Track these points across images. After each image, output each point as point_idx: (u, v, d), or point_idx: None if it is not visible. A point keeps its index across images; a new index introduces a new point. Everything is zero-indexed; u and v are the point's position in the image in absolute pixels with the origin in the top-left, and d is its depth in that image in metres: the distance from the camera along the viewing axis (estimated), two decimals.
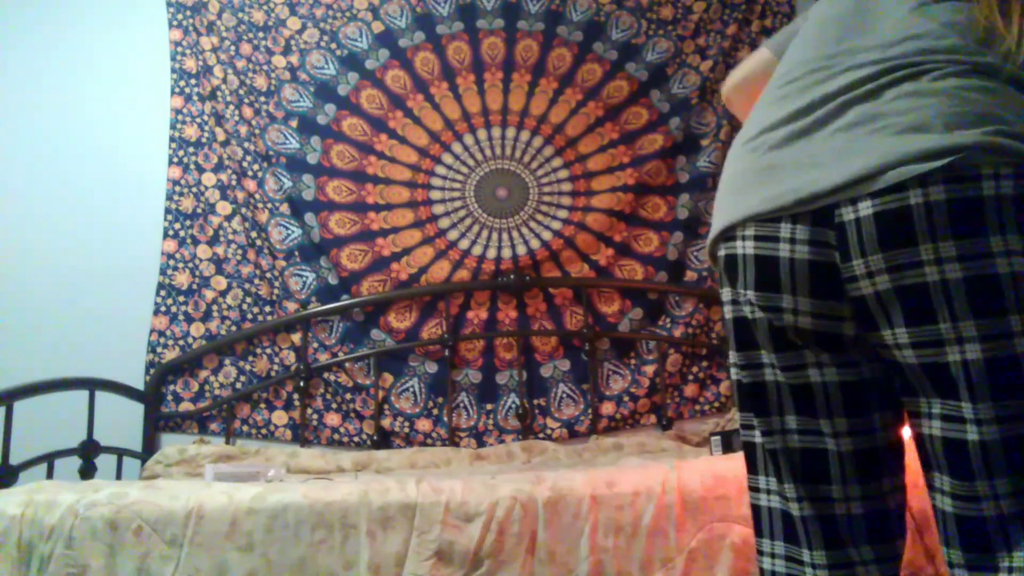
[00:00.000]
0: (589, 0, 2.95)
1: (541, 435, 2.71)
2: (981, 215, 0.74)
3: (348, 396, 2.71)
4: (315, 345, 2.74)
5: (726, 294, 0.94)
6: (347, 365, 2.73)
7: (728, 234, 0.90)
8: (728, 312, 0.93)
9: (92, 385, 2.37)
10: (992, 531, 0.76)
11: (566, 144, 2.90)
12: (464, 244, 2.84)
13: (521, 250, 2.83)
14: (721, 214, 0.92)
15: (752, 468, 0.95)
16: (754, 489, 0.95)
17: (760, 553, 0.94)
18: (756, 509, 0.95)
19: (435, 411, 2.74)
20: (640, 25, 2.96)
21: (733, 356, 0.94)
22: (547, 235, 2.85)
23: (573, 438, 2.72)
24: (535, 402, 2.76)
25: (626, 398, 2.77)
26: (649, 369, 2.77)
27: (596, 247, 2.87)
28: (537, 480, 1.63)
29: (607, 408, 2.76)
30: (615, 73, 2.93)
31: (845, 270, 0.81)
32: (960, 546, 0.79)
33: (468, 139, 2.88)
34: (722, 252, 0.92)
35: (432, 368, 2.77)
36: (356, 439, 2.70)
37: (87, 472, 2.30)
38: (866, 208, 0.78)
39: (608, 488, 1.59)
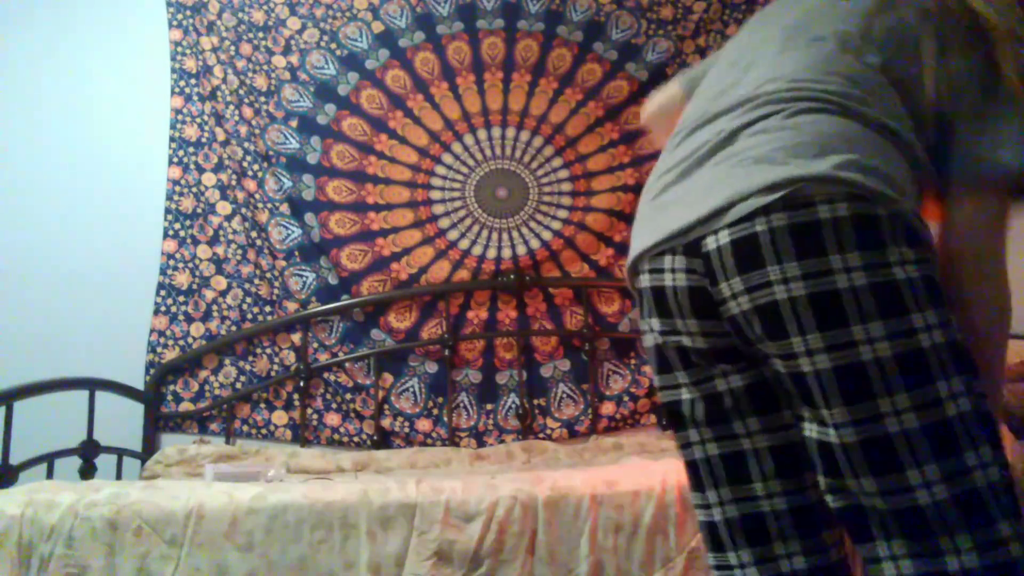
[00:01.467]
0: (589, 0, 2.95)
1: (541, 435, 2.71)
2: (819, 236, 0.81)
3: (348, 396, 2.71)
4: (315, 345, 2.74)
5: (643, 324, 1.02)
6: (347, 365, 2.73)
7: (634, 269, 1.00)
8: (647, 340, 1.01)
9: (92, 385, 2.37)
10: (873, 523, 0.82)
11: (566, 144, 2.90)
12: (464, 244, 2.84)
13: (521, 250, 2.83)
14: (630, 251, 1.02)
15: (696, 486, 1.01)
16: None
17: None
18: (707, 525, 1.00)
19: (435, 411, 2.74)
20: (640, 25, 2.96)
21: (655, 380, 1.02)
22: (547, 235, 2.85)
23: (573, 438, 2.72)
24: (535, 402, 2.76)
25: (626, 398, 2.77)
26: (649, 369, 2.77)
27: (596, 247, 2.87)
28: (537, 480, 1.63)
29: (607, 408, 2.76)
30: (615, 73, 2.93)
31: (715, 293, 0.89)
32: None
33: (468, 139, 2.88)
34: (635, 286, 1.01)
35: (432, 368, 2.77)
36: (356, 439, 2.70)
37: (87, 472, 2.30)
38: (724, 237, 0.86)
39: (608, 488, 1.59)
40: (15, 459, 2.00)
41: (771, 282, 0.82)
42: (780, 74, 0.94)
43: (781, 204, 0.82)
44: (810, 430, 0.86)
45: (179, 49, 2.85)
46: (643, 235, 0.98)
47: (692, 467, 1.00)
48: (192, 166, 2.81)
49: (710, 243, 0.87)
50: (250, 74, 2.84)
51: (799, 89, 0.90)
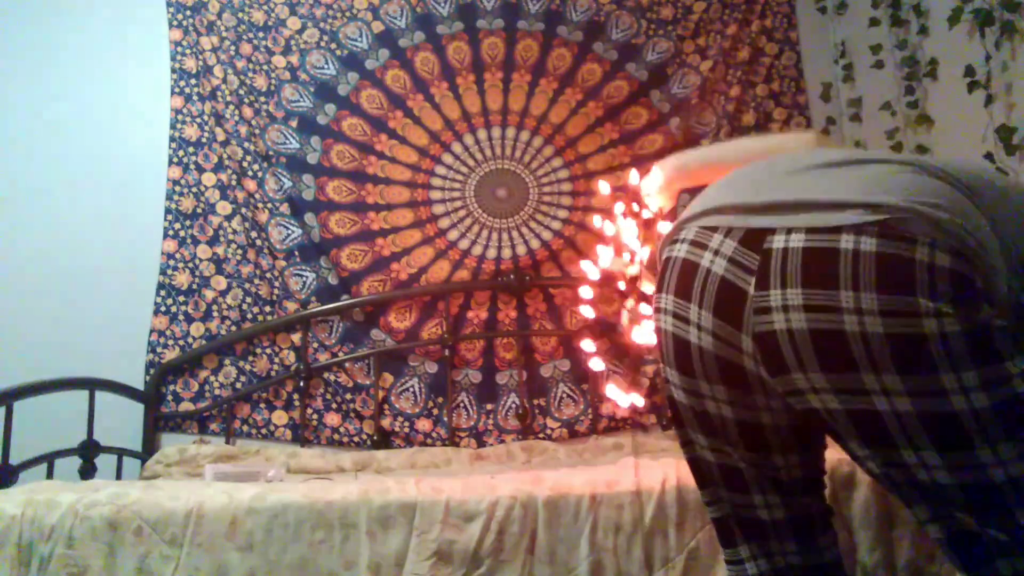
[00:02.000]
0: (589, 0, 2.95)
1: (541, 435, 2.71)
2: (910, 276, 0.72)
3: (348, 396, 2.71)
4: (315, 345, 2.74)
5: (655, 299, 0.95)
6: (347, 365, 2.73)
7: (674, 236, 0.93)
8: (654, 322, 0.96)
9: (92, 385, 2.36)
10: (991, 547, 0.77)
11: (566, 144, 2.90)
12: (464, 244, 2.84)
13: (521, 250, 2.83)
14: (679, 218, 0.95)
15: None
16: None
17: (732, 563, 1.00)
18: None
19: (435, 411, 2.73)
20: (640, 25, 2.96)
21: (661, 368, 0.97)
22: (547, 235, 2.85)
23: (573, 438, 2.72)
24: (535, 402, 2.76)
25: None
26: (649, 369, 2.77)
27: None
28: (537, 480, 1.63)
29: (607, 408, 2.76)
30: (615, 73, 2.93)
31: (758, 299, 0.79)
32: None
33: (468, 139, 2.88)
34: (664, 255, 0.94)
35: (432, 368, 2.76)
36: (356, 439, 2.70)
37: (87, 472, 2.30)
38: (798, 241, 0.77)
39: (608, 488, 1.59)
40: (15, 459, 2.00)
41: (840, 308, 0.74)
42: (912, 156, 0.89)
43: (877, 228, 0.73)
44: (873, 469, 0.80)
45: (179, 49, 2.85)
46: (704, 202, 0.92)
47: (693, 464, 0.99)
48: (192, 166, 2.81)
49: (777, 241, 0.78)
50: (250, 74, 2.84)
51: (931, 165, 0.83)
